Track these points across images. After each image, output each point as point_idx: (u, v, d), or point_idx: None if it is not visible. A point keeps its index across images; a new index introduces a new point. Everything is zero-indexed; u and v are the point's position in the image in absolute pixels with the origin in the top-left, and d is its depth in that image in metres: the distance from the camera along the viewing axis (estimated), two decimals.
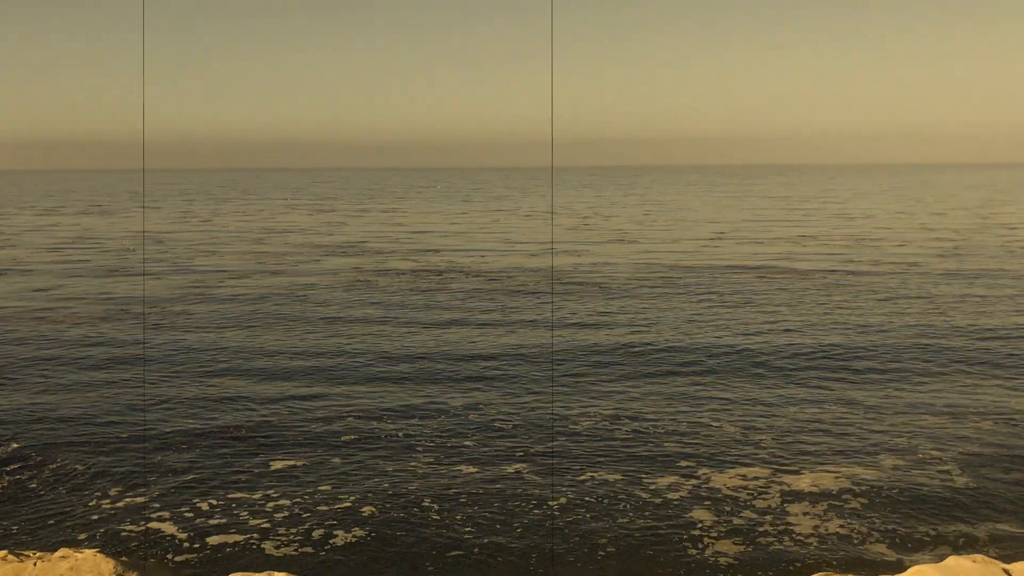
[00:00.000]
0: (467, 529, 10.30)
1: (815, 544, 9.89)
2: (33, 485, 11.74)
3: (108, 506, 11.03)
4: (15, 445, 13.33)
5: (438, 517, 10.63)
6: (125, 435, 13.74)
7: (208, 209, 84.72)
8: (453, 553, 9.77)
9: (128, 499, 11.25)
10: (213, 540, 10.07)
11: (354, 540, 10.06)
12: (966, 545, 9.80)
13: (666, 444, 13.22)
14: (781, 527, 10.29)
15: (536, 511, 10.82)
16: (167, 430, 13.99)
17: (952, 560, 8.37)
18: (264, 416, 14.70)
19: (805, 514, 10.66)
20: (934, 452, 12.75)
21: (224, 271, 34.31)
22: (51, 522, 10.58)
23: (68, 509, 10.94)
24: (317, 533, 10.23)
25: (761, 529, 10.23)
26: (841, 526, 10.33)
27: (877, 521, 10.48)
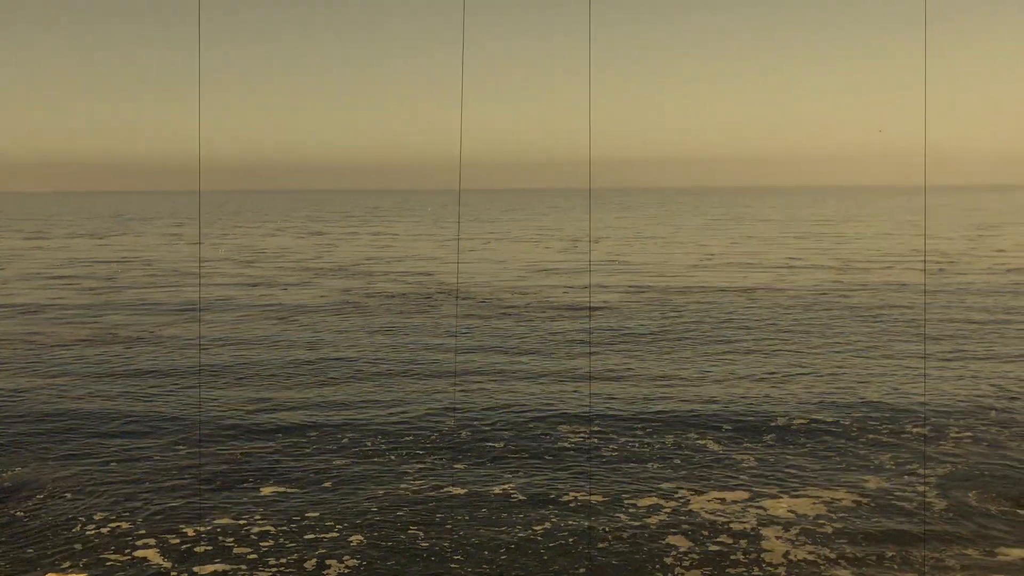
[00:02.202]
0: (455, 556, 10.45)
1: (784, 571, 10.05)
2: (18, 512, 11.84)
3: (94, 533, 11.14)
4: (1, 471, 13.43)
5: (426, 544, 10.78)
6: (113, 461, 13.86)
7: (196, 232, 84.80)
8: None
9: (114, 526, 11.36)
10: (201, 569, 10.19)
11: (342, 568, 10.19)
12: (950, 572, 9.94)
13: (649, 464, 13.42)
14: (753, 554, 10.46)
15: (521, 535, 10.98)
16: (153, 455, 14.11)
17: None
18: (252, 441, 14.82)
19: (778, 538, 10.84)
20: (921, 477, 12.94)
21: (212, 294, 34.44)
22: (36, 549, 10.68)
23: (53, 536, 11.05)
24: (305, 561, 10.36)
25: (733, 557, 10.40)
26: (811, 552, 10.48)
27: (847, 548, 10.64)
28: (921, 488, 12.46)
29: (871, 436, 14.84)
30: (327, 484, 12.84)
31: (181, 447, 14.59)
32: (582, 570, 10.10)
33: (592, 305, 30.34)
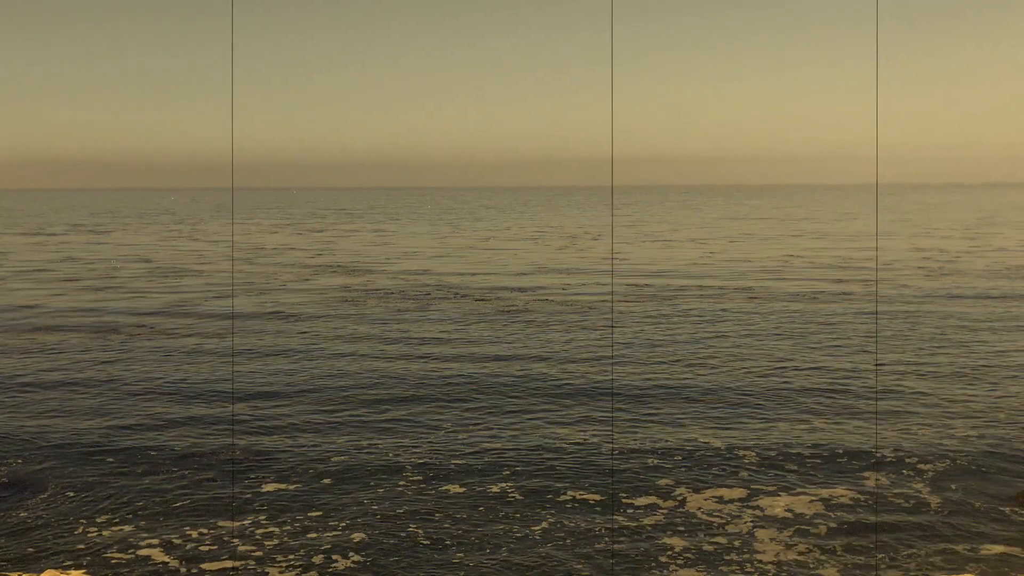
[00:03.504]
0: (457, 555, 10.54)
1: (773, 572, 10.14)
2: (20, 510, 11.92)
3: (96, 533, 11.22)
4: (2, 469, 13.51)
5: (427, 542, 10.87)
6: (112, 460, 13.95)
7: (195, 229, 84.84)
8: (439, 571, 10.03)
9: (117, 526, 11.44)
10: (206, 566, 10.28)
11: (347, 565, 10.28)
12: (951, 569, 10.04)
13: (649, 464, 13.51)
14: (747, 554, 10.55)
15: (519, 534, 11.07)
16: (153, 455, 14.19)
17: None
18: (252, 440, 14.91)
19: (772, 539, 10.92)
20: (920, 471, 13.05)
21: (210, 291, 34.49)
22: (38, 547, 10.76)
23: (56, 535, 11.13)
24: (308, 560, 10.45)
25: (728, 556, 10.49)
26: (805, 553, 10.58)
27: (844, 548, 10.74)
28: (917, 485, 12.57)
29: (868, 435, 14.93)
30: (327, 482, 12.93)
31: (182, 446, 14.67)
32: (581, 567, 10.20)
33: (589, 304, 30.42)
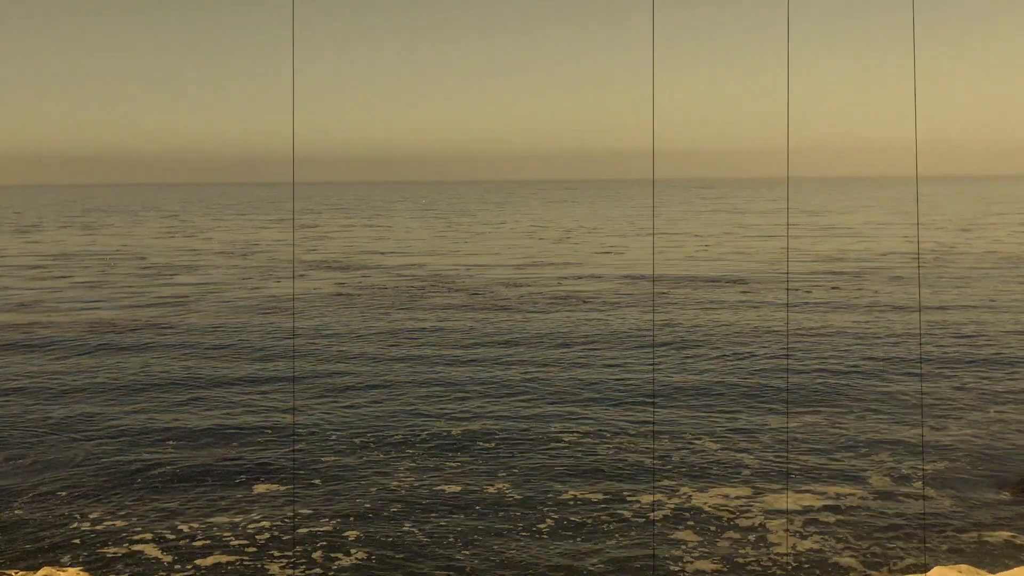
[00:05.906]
0: (463, 551, 10.36)
1: (791, 563, 10.01)
2: (17, 508, 11.72)
3: (91, 529, 11.03)
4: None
5: (426, 538, 10.69)
6: (107, 458, 13.73)
7: (191, 224, 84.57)
8: (437, 570, 9.85)
9: (111, 522, 11.25)
10: (200, 561, 10.10)
11: (340, 561, 10.11)
12: (950, 557, 9.95)
13: (649, 461, 13.32)
14: (762, 547, 10.40)
15: (524, 530, 10.91)
16: (147, 455, 13.96)
17: (937, 571, 8.57)
18: (243, 439, 14.69)
19: (784, 530, 10.77)
20: (917, 466, 12.92)
21: (205, 287, 34.25)
22: (35, 544, 10.58)
23: (52, 532, 10.94)
24: (307, 556, 10.27)
25: (742, 549, 10.33)
26: (819, 546, 10.43)
27: (850, 538, 10.61)
28: (925, 479, 12.44)
29: (870, 434, 14.77)
30: (318, 481, 12.68)
31: (177, 444, 14.47)
32: (590, 559, 10.04)
33: (584, 296, 30.25)
